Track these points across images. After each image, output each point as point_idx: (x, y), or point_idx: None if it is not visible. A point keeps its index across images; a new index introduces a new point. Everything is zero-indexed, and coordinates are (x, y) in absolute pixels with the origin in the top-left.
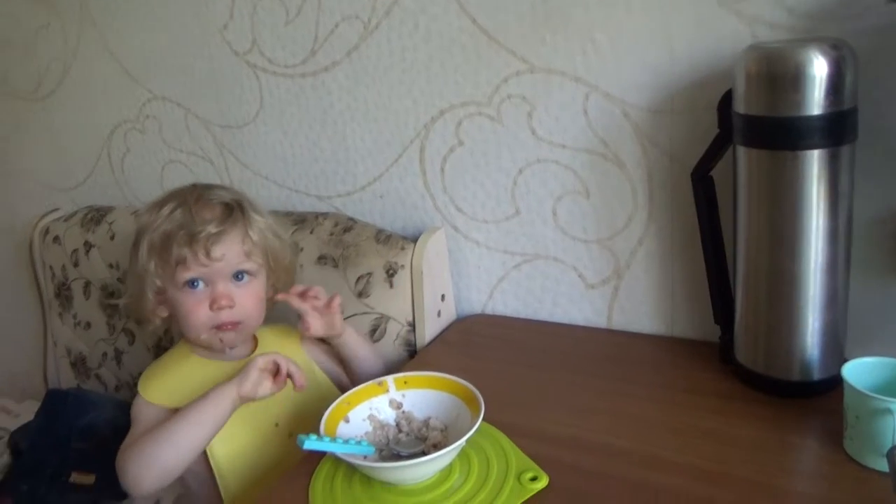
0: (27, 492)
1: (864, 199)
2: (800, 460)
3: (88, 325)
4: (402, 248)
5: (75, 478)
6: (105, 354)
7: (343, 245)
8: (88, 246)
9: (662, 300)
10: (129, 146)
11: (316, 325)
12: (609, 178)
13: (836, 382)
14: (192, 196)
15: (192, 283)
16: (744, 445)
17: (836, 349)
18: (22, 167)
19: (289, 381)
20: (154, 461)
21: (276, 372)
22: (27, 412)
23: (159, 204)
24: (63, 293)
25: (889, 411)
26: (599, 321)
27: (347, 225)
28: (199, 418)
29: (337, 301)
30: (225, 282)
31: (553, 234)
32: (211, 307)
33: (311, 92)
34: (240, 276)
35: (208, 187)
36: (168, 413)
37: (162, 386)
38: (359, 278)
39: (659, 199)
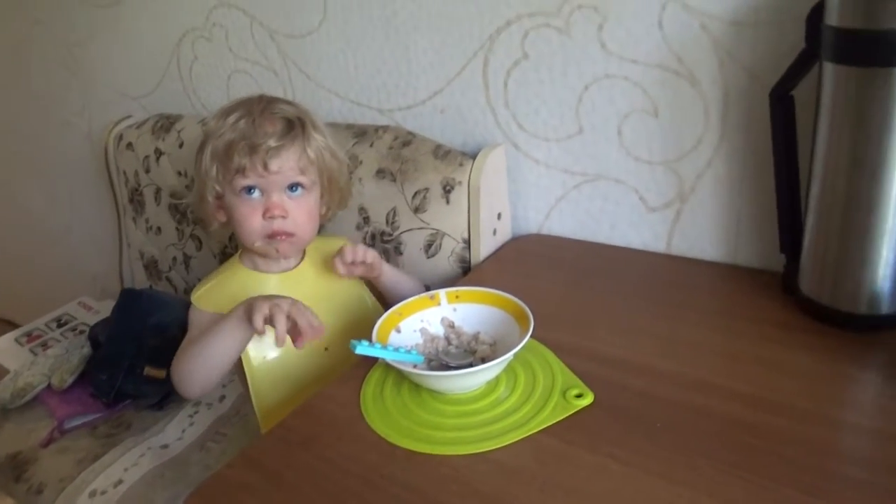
0: (106, 381)
1: None
2: (856, 392)
3: (159, 229)
4: (461, 165)
5: (148, 371)
6: (175, 259)
7: (402, 159)
8: (159, 153)
9: (727, 226)
10: (196, 54)
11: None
12: (681, 97)
13: None
14: (258, 107)
15: (248, 190)
16: (799, 375)
17: None
18: (97, 75)
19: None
20: (192, 372)
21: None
22: (106, 310)
23: (227, 111)
24: (136, 198)
25: None
26: (658, 246)
27: (407, 139)
28: (217, 338)
29: (369, 256)
30: (279, 193)
31: (616, 154)
32: (264, 215)
33: (375, 0)
34: (294, 188)
35: (274, 100)
36: (214, 317)
37: (210, 294)
38: (416, 193)
39: (733, 120)
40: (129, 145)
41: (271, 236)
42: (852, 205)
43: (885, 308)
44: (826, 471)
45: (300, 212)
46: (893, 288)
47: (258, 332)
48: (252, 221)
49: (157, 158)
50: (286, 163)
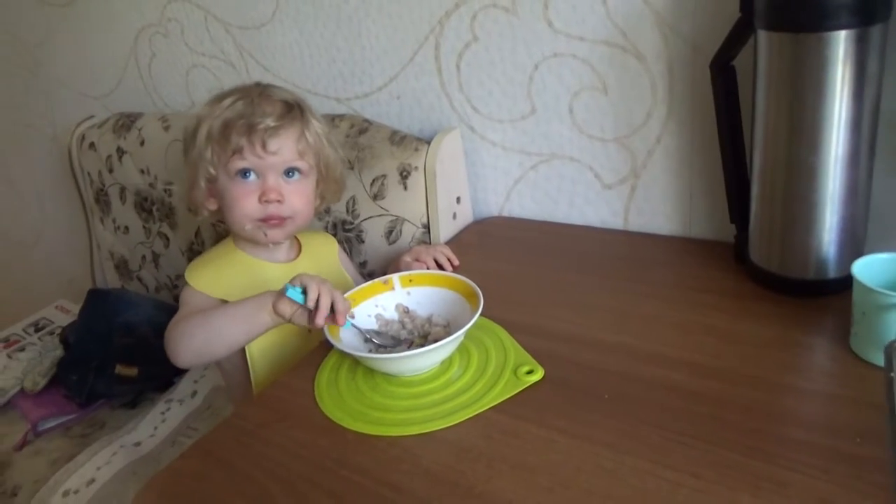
0: (77, 381)
1: (894, 85)
2: (804, 357)
3: (127, 229)
4: (416, 150)
5: (120, 370)
6: (144, 257)
7: (358, 147)
8: (121, 152)
9: (680, 200)
10: (154, 51)
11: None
12: (628, 73)
13: (852, 281)
14: (256, 90)
15: (244, 173)
16: (750, 343)
17: (855, 246)
18: (57, 76)
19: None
20: (192, 341)
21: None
22: None
23: (221, 96)
24: (101, 198)
25: (895, 306)
26: (616, 222)
27: (363, 127)
28: (238, 319)
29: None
30: (276, 176)
31: (569, 132)
32: (260, 199)
33: None
34: (291, 172)
35: (271, 85)
36: (213, 302)
37: (207, 276)
38: (374, 180)
39: (679, 94)
40: (92, 145)
41: (264, 220)
42: (793, 171)
43: (831, 272)
44: (767, 433)
45: (297, 197)
46: (839, 251)
47: (283, 316)
48: (245, 204)
49: (120, 157)
50: (285, 144)
